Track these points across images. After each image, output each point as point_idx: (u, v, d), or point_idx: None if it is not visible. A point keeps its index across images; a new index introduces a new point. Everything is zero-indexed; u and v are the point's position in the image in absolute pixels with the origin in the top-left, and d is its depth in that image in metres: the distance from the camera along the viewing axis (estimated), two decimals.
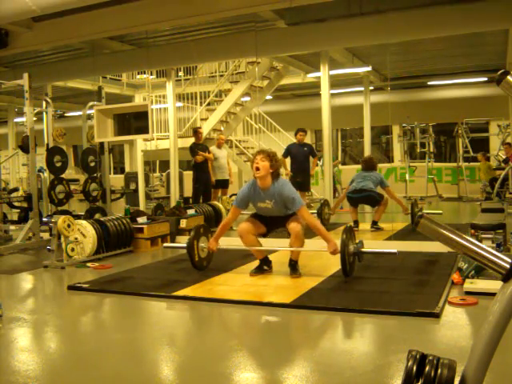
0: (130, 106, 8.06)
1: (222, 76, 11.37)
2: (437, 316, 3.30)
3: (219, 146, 9.31)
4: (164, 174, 13.04)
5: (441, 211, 8.32)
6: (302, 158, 8.75)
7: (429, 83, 13.16)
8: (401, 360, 2.55)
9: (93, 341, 3.21)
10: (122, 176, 13.67)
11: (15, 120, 13.22)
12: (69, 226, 5.46)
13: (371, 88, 11.69)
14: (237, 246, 6.27)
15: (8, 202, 7.63)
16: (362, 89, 11.58)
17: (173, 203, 8.89)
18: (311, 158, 9.10)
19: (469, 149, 12.34)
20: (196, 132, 9.12)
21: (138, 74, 13.35)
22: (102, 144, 7.71)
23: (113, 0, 6.35)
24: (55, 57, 9.63)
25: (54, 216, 5.68)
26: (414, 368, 1.53)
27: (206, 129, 10.37)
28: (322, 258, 5.42)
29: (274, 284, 4.43)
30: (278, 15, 7.49)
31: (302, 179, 8.86)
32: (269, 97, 12.32)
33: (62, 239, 5.44)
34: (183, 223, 6.92)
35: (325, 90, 8.85)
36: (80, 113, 8.34)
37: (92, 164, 7.75)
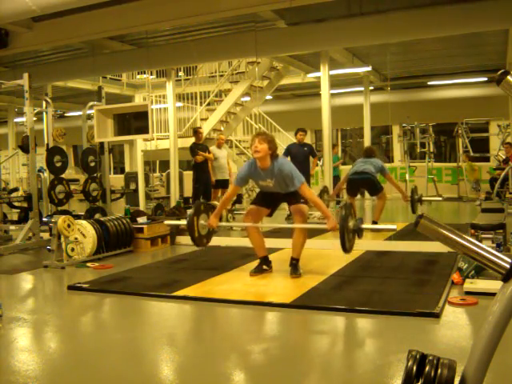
0: (130, 106, 8.06)
1: (222, 76, 11.37)
2: (437, 316, 3.30)
3: (219, 146, 9.32)
4: (164, 173, 13.04)
5: (441, 197, 8.27)
6: (302, 157, 8.75)
7: (429, 83, 13.16)
8: (401, 360, 2.55)
9: (93, 341, 3.21)
10: (122, 176, 13.67)
11: (15, 120, 13.22)
12: (69, 225, 5.46)
13: (371, 88, 11.70)
14: (237, 245, 6.30)
15: (8, 202, 7.63)
16: (362, 89, 11.59)
17: (173, 203, 8.90)
18: (311, 158, 9.11)
19: (469, 149, 12.33)
20: (196, 132, 9.12)
21: (138, 73, 13.36)
22: (102, 144, 7.70)
23: (113, 0, 6.36)
24: (55, 57, 9.64)
25: (54, 216, 5.68)
26: (414, 368, 1.53)
27: (206, 129, 10.38)
28: (322, 258, 5.42)
29: (274, 284, 4.43)
30: (278, 15, 7.50)
31: None
32: (269, 97, 12.33)
33: (62, 239, 5.43)
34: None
35: (325, 90, 8.86)
36: (80, 113, 8.34)
37: (92, 164, 7.75)
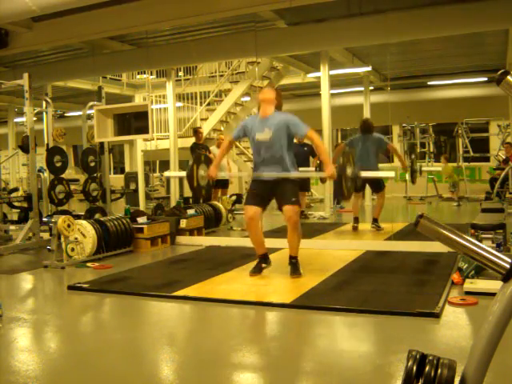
0: (130, 106, 8.06)
1: (222, 76, 11.37)
2: (437, 316, 3.30)
3: (219, 146, 9.31)
4: (164, 174, 13.03)
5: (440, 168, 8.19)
6: (301, 157, 8.72)
7: (429, 83, 13.15)
8: (401, 360, 2.55)
9: (93, 341, 3.21)
10: (122, 176, 13.67)
11: (15, 120, 13.22)
12: (69, 225, 5.46)
13: (371, 88, 11.69)
14: (237, 245, 6.30)
15: (8, 202, 7.63)
16: (362, 89, 11.58)
17: (173, 203, 8.90)
18: (311, 158, 9.10)
19: (469, 149, 12.33)
20: (196, 132, 9.13)
21: (138, 73, 13.35)
22: (101, 144, 7.70)
23: (113, 0, 6.36)
24: (55, 57, 9.64)
25: (54, 216, 5.67)
26: (414, 368, 1.53)
27: (206, 129, 10.37)
28: (322, 258, 5.42)
29: (274, 284, 4.43)
30: (278, 15, 7.50)
31: (301, 179, 8.83)
32: None
33: (62, 239, 5.43)
34: (183, 223, 6.92)
35: (325, 90, 8.86)
36: (80, 113, 8.34)
37: (92, 164, 7.75)
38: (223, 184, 9.30)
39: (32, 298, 4.56)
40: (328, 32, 7.66)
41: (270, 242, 6.08)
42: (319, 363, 2.69)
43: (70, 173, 14.50)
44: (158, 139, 10.60)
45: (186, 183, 11.74)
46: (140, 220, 6.43)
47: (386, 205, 7.60)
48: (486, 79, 12.04)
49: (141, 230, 6.29)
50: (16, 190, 9.45)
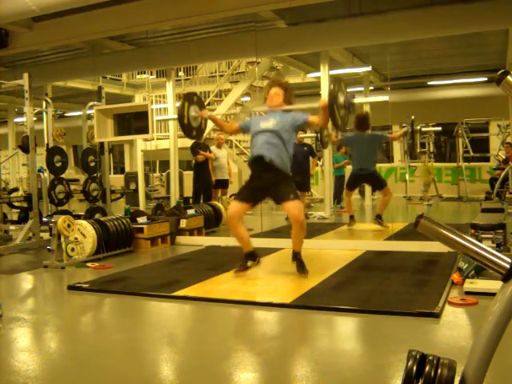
0: (130, 106, 8.05)
1: (222, 76, 11.37)
2: (437, 316, 3.30)
3: (219, 146, 9.31)
4: (164, 173, 13.03)
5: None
6: (301, 157, 8.75)
7: (429, 83, 13.15)
8: (401, 360, 2.55)
9: (93, 341, 3.21)
10: (122, 176, 13.66)
11: (15, 120, 13.21)
12: (69, 225, 5.46)
13: (371, 88, 11.69)
14: (237, 245, 6.29)
15: (8, 202, 7.63)
16: (362, 89, 11.57)
17: (173, 203, 8.89)
18: (311, 158, 9.10)
19: (469, 149, 12.33)
20: None
21: (138, 73, 13.34)
22: (102, 144, 7.71)
23: (113, 0, 6.36)
24: (55, 57, 9.63)
25: (54, 216, 5.68)
26: (414, 368, 1.53)
27: (206, 128, 10.36)
28: (322, 258, 5.43)
29: (274, 284, 4.42)
30: (278, 15, 7.50)
31: (301, 179, 8.84)
32: None
33: (62, 239, 5.43)
34: (183, 223, 6.92)
35: (325, 90, 8.84)
36: (80, 113, 8.34)
37: (92, 164, 7.75)
38: (223, 184, 9.30)
39: (32, 297, 4.56)
40: (328, 32, 7.65)
41: (270, 242, 6.11)
42: (319, 363, 2.68)
43: (70, 173, 14.48)
44: (158, 139, 10.59)
45: (185, 183, 11.77)
46: (140, 220, 6.44)
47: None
48: (486, 79, 12.03)
49: (141, 230, 6.29)
50: (16, 190, 9.46)
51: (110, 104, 7.85)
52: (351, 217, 7.38)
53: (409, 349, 1.61)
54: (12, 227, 7.71)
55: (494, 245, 4.70)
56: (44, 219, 6.82)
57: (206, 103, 11.07)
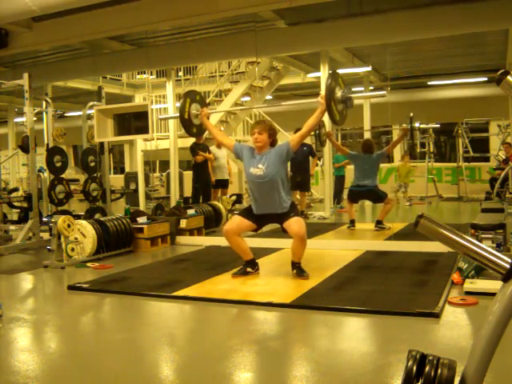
0: (129, 106, 8.05)
1: (222, 76, 11.37)
2: (437, 316, 3.30)
3: (219, 146, 9.31)
4: (164, 173, 13.03)
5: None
6: (301, 157, 8.75)
7: (429, 83, 13.15)
8: (401, 360, 2.55)
9: (93, 341, 3.21)
10: (122, 176, 13.66)
11: (15, 120, 13.21)
12: (69, 225, 5.46)
13: (371, 88, 11.68)
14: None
15: (8, 202, 7.63)
16: (361, 89, 11.58)
17: (173, 203, 8.89)
18: (311, 158, 9.10)
19: (469, 149, 12.33)
20: None
21: (138, 73, 13.34)
22: (102, 144, 7.70)
23: (113, 0, 6.36)
24: (55, 57, 9.63)
25: (54, 216, 5.68)
26: (414, 368, 1.53)
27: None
28: (322, 258, 5.42)
29: (274, 284, 4.42)
30: (278, 15, 7.50)
31: (301, 179, 8.87)
32: (269, 97, 12.31)
33: (62, 239, 5.43)
34: (183, 223, 6.92)
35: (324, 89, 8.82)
36: (80, 113, 8.34)
37: (92, 164, 7.75)
38: (223, 184, 9.30)
39: (32, 297, 4.56)
40: (328, 32, 7.65)
41: (270, 242, 6.12)
42: (319, 363, 2.68)
43: (70, 173, 14.49)
44: (158, 139, 10.59)
45: (185, 183, 11.78)
46: (140, 220, 6.44)
47: None
48: (486, 79, 12.04)
49: (141, 230, 6.29)
50: (16, 190, 9.45)
51: (110, 104, 7.84)
52: (352, 221, 7.39)
53: (409, 349, 1.61)
54: (12, 227, 7.72)
55: (494, 245, 4.69)
56: (44, 219, 6.82)
57: None
